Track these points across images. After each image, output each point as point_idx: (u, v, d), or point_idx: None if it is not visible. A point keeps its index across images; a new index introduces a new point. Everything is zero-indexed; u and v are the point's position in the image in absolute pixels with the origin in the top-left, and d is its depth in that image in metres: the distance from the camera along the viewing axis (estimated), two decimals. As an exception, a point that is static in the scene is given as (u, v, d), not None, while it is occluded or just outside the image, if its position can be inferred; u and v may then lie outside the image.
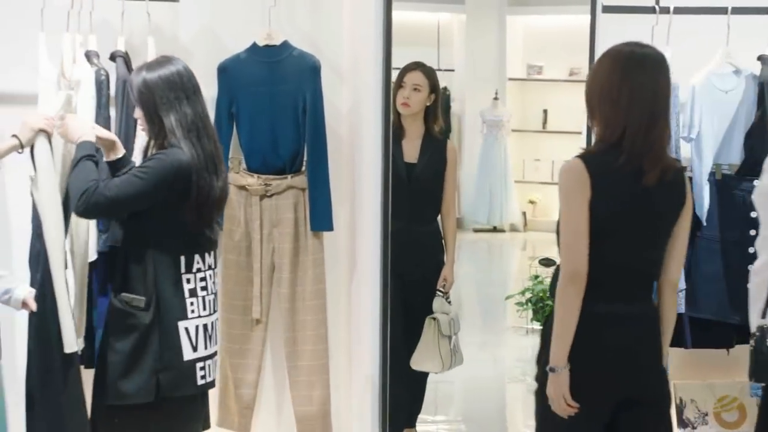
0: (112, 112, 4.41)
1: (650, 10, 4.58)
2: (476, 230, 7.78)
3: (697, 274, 4.64)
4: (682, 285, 4.54)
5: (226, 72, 4.76)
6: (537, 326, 6.35)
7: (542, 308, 6.34)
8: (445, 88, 6.59)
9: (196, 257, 3.79)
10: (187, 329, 3.76)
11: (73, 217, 3.95)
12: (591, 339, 3.29)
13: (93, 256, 4.25)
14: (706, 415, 4.84)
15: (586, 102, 3.37)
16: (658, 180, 3.30)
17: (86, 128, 3.86)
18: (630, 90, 3.27)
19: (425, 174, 5.30)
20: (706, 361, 4.82)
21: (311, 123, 4.75)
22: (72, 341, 3.91)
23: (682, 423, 4.83)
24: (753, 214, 4.46)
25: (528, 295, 6.57)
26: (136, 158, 4.20)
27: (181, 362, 3.75)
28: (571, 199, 3.28)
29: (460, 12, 7.51)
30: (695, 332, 4.66)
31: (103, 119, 4.31)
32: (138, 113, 3.81)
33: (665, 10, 4.57)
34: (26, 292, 3.82)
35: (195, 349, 3.78)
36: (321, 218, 4.80)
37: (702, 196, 4.58)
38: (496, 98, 7.74)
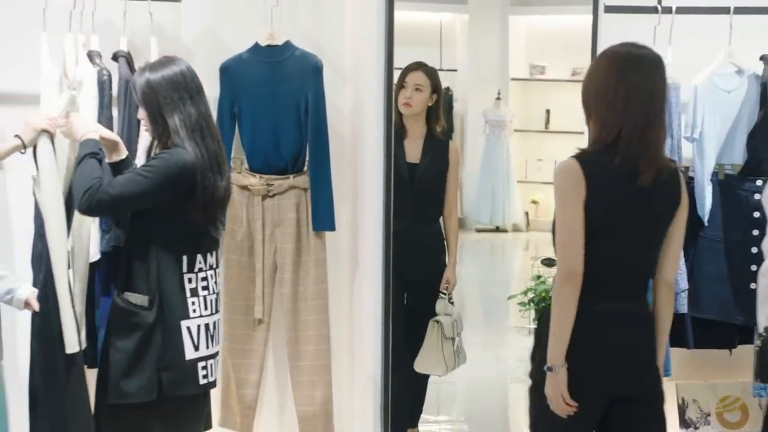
0: (115, 113, 4.42)
1: (652, 10, 4.58)
2: (479, 230, 7.76)
3: (699, 274, 4.63)
4: (685, 285, 4.54)
5: (228, 72, 4.76)
6: (539, 326, 6.34)
7: (545, 308, 6.32)
8: (448, 88, 6.57)
9: (198, 257, 3.79)
10: (189, 328, 3.77)
11: (76, 217, 3.95)
12: (587, 338, 3.29)
13: (95, 257, 4.25)
14: (709, 415, 4.84)
15: (582, 102, 3.38)
16: (653, 180, 3.30)
17: (90, 126, 3.87)
18: (626, 91, 3.27)
19: (427, 174, 5.30)
20: (709, 361, 4.81)
21: (313, 123, 4.75)
22: (74, 342, 3.90)
23: (685, 423, 4.83)
24: (756, 214, 4.48)
25: (530, 295, 6.54)
26: (139, 159, 4.21)
27: (183, 361, 3.75)
28: (566, 199, 3.29)
29: (462, 12, 7.49)
30: (697, 332, 4.66)
31: (105, 120, 4.31)
32: (142, 114, 3.81)
33: (667, 10, 4.56)
34: (29, 292, 3.82)
35: (197, 348, 3.78)
36: (323, 218, 4.80)
37: (704, 196, 4.57)
38: (498, 98, 7.72)
